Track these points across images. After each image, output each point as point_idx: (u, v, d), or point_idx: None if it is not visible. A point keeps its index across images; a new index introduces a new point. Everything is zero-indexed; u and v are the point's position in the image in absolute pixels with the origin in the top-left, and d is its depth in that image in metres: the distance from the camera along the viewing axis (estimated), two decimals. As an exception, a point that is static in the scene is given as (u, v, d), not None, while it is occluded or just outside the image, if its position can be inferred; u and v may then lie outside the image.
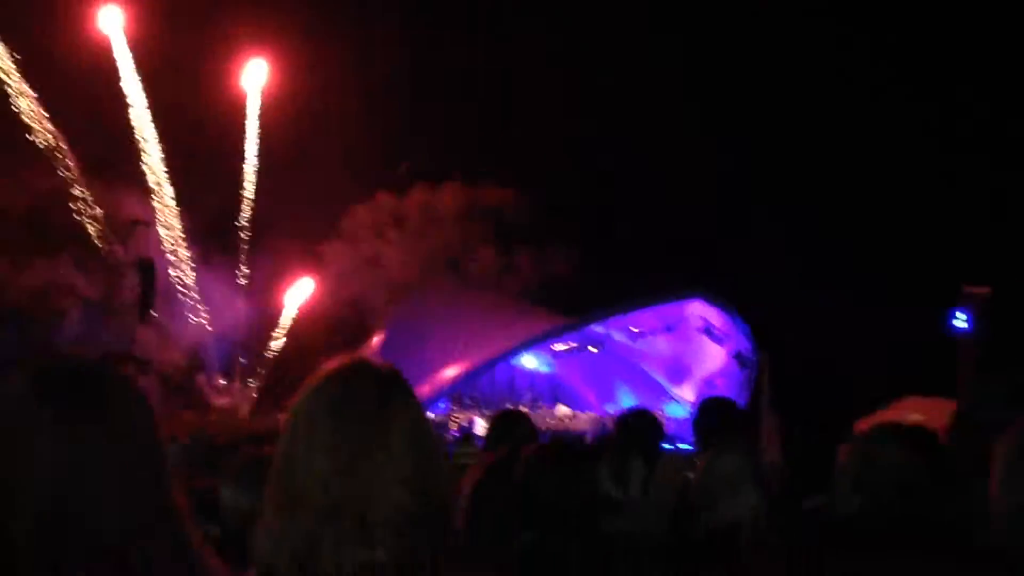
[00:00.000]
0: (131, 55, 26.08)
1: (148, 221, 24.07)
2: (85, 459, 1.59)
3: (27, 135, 24.04)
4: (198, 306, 24.82)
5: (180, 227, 24.76)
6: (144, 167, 25.07)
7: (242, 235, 25.38)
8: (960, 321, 20.16)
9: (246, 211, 25.84)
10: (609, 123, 25.78)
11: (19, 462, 1.59)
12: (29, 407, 1.63)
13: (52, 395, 1.64)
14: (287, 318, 25.47)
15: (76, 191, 23.60)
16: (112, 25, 26.28)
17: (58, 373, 1.68)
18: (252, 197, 26.32)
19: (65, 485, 1.58)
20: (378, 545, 1.74)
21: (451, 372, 20.03)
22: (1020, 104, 25.82)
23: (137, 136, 25.36)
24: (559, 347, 21.75)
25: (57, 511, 1.58)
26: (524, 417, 5.01)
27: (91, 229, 24.33)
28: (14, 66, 24.71)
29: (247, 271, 25.05)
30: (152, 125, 25.96)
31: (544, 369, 22.13)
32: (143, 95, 25.68)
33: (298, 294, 25.35)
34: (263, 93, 27.06)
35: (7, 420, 1.63)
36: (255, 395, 23.31)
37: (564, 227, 23.63)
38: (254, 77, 26.80)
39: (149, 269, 21.25)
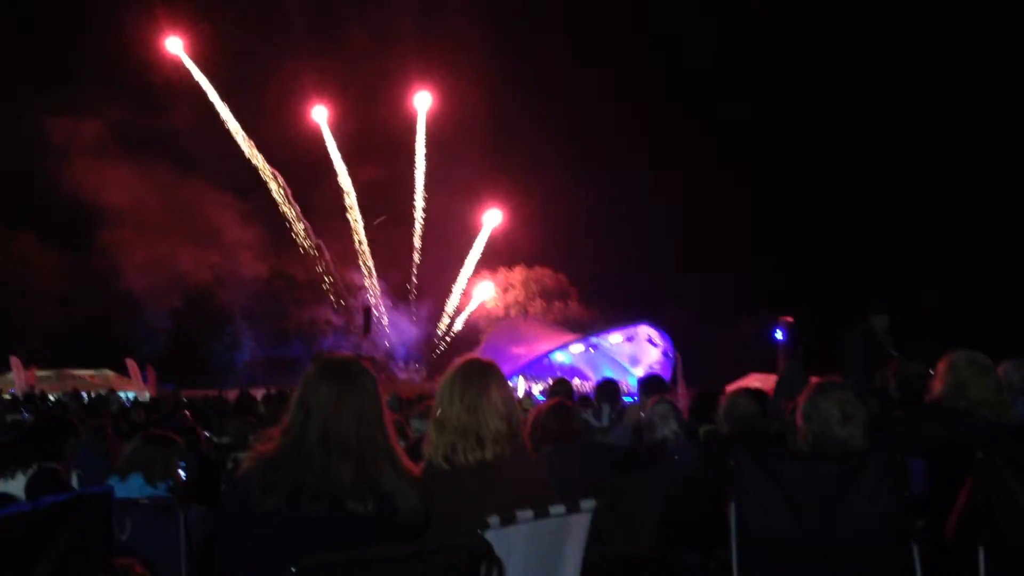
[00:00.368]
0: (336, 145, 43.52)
1: (361, 285, 44.52)
2: (342, 403, 2.73)
3: (293, 234, 44.32)
4: (387, 329, 45.21)
5: (379, 288, 45.14)
6: (359, 249, 44.82)
7: (412, 291, 45.25)
8: (779, 334, 37.18)
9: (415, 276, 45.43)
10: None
11: (312, 404, 2.75)
12: (317, 378, 2.79)
13: (327, 373, 2.81)
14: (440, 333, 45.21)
15: (329, 272, 44.10)
16: (321, 117, 42.58)
17: (330, 362, 2.84)
18: (417, 261, 45.78)
19: (332, 414, 2.73)
20: (487, 450, 2.97)
21: (520, 360, 37.91)
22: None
23: (350, 216, 44.28)
24: (575, 348, 38.73)
25: (328, 425, 2.72)
26: (566, 382, 8.57)
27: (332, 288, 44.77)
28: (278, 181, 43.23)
29: (416, 311, 45.08)
30: (358, 211, 44.24)
31: (567, 360, 39.43)
32: (351, 188, 44.06)
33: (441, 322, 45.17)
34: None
35: (306, 385, 2.78)
36: (424, 373, 42.86)
37: (575, 290, 43.04)
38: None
39: (367, 312, 41.43)
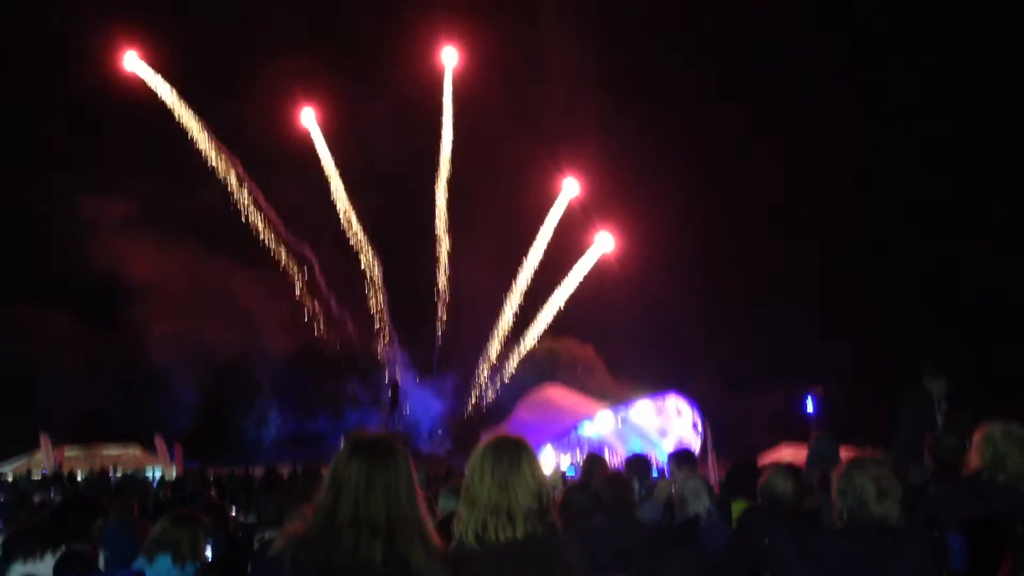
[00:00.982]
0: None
1: (387, 358, 44.71)
2: (373, 482, 2.75)
3: (317, 307, 45.08)
4: (410, 402, 45.31)
5: (400, 357, 45.29)
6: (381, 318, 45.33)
7: (435, 366, 45.45)
8: (809, 405, 36.72)
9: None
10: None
11: (342, 483, 2.79)
12: (348, 457, 2.84)
13: (359, 451, 2.86)
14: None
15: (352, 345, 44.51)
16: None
17: (361, 440, 2.90)
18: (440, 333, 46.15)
19: (363, 493, 2.75)
20: (517, 528, 2.94)
21: (547, 432, 37.56)
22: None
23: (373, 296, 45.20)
24: (603, 419, 37.57)
25: (359, 504, 2.75)
26: (600, 459, 8.12)
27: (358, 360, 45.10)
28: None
29: (440, 383, 45.23)
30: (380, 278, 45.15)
31: (595, 433, 38.10)
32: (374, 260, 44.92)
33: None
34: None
35: (338, 464, 2.83)
36: (449, 446, 42.70)
37: (602, 359, 43.01)
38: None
39: (395, 387, 41.41)
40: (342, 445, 2.88)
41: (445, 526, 3.27)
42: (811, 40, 41.93)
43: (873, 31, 42.88)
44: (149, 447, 34.96)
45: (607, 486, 5.21)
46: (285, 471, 25.42)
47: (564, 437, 36.63)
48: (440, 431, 44.35)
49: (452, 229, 46.45)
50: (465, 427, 43.97)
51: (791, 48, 42.35)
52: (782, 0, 43.62)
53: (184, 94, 42.62)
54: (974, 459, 4.49)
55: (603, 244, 47.46)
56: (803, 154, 42.13)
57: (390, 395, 40.62)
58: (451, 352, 46.72)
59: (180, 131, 42.71)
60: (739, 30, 43.71)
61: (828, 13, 43.32)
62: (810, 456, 7.23)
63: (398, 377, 43.77)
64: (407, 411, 43.96)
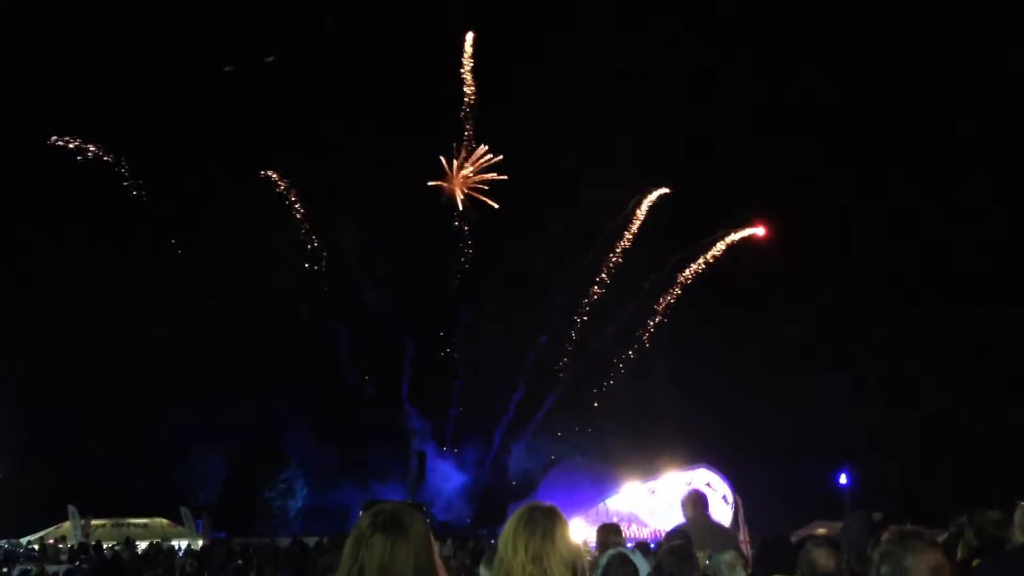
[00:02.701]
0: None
1: (413, 428, 44.51)
2: (395, 555, 2.76)
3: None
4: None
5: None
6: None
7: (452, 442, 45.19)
8: (843, 478, 36.26)
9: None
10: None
11: (364, 558, 2.78)
12: (368, 529, 2.83)
13: (378, 524, 2.84)
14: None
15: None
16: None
17: (380, 512, 2.89)
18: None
19: (384, 567, 2.76)
20: None
21: (575, 506, 37.24)
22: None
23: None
24: (632, 493, 37.38)
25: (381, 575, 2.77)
26: (617, 528, 8.48)
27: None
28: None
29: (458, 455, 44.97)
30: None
31: (624, 507, 38.68)
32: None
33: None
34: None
35: (357, 537, 2.83)
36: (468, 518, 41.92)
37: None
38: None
39: (422, 457, 41.17)
40: (360, 516, 2.91)
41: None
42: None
43: None
44: (175, 518, 34.76)
45: (673, 560, 5.01)
46: (311, 542, 25.19)
47: (591, 509, 35.95)
48: (458, 501, 43.61)
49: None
50: (487, 498, 43.40)
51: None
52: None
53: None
54: (1019, 535, 4.39)
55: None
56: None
57: (416, 465, 40.36)
58: (472, 423, 46.50)
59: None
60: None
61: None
62: (843, 531, 7.04)
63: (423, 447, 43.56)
64: (431, 483, 43.64)
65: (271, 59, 40.91)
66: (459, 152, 45.20)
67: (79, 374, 40.35)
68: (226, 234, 42.32)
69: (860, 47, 40.66)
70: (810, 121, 42.72)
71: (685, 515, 8.26)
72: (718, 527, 8.65)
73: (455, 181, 45.53)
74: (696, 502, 8.07)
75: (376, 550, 2.74)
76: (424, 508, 36.28)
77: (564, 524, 3.09)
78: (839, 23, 41.97)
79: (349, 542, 2.80)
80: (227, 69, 41.16)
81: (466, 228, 45.95)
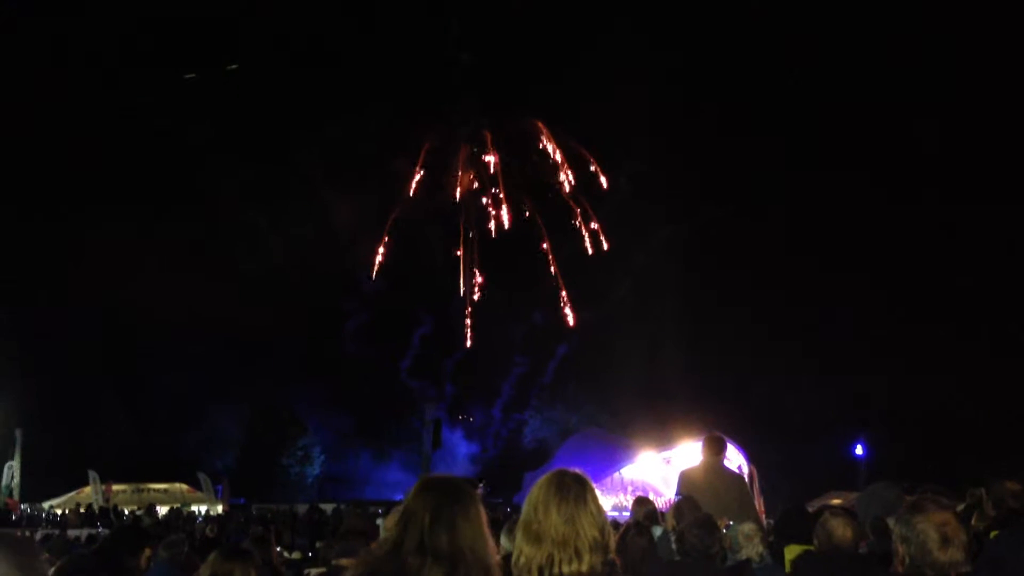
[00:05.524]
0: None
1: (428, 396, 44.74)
2: (440, 513, 2.89)
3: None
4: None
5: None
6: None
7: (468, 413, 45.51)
8: (859, 449, 36.17)
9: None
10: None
11: (411, 514, 2.93)
12: (418, 491, 3.02)
13: (429, 486, 3.04)
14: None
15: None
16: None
17: (432, 478, 3.12)
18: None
19: (428, 523, 2.89)
20: (583, 561, 3.00)
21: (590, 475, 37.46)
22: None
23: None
24: (647, 462, 37.03)
25: (424, 533, 2.87)
26: (649, 501, 8.59)
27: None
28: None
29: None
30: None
31: (639, 475, 38.19)
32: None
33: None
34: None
35: (409, 497, 2.98)
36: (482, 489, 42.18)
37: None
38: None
39: (438, 424, 41.34)
40: (416, 487, 3.00)
41: (506, 559, 3.24)
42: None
43: None
44: (194, 484, 35.14)
45: (697, 531, 5.02)
46: (328, 508, 25.43)
47: (606, 479, 36.12)
48: (471, 472, 43.58)
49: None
50: (501, 468, 43.46)
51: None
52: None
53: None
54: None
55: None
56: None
57: (433, 433, 40.56)
58: (482, 394, 46.52)
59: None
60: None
61: None
62: (860, 500, 7.02)
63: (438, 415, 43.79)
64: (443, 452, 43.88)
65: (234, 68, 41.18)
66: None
67: (94, 338, 40.66)
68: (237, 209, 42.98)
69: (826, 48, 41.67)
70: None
71: (702, 456, 8.31)
72: (729, 474, 8.64)
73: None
74: (712, 444, 8.13)
75: (421, 509, 2.87)
76: (479, 483, 36.53)
77: (593, 489, 3.15)
78: (806, 23, 42.59)
79: (401, 504, 2.91)
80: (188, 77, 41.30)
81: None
